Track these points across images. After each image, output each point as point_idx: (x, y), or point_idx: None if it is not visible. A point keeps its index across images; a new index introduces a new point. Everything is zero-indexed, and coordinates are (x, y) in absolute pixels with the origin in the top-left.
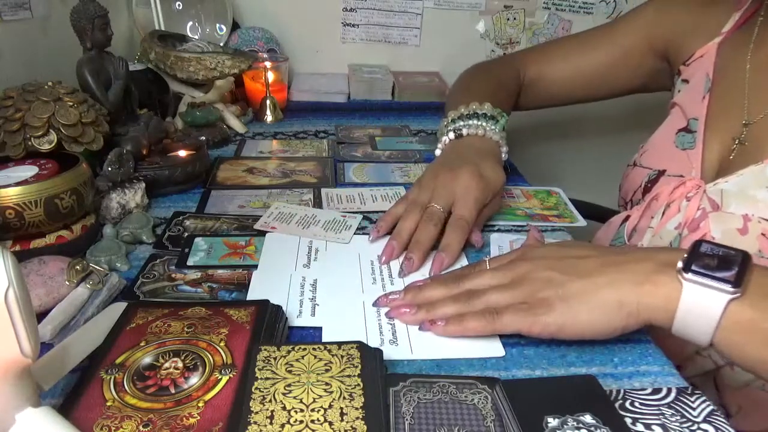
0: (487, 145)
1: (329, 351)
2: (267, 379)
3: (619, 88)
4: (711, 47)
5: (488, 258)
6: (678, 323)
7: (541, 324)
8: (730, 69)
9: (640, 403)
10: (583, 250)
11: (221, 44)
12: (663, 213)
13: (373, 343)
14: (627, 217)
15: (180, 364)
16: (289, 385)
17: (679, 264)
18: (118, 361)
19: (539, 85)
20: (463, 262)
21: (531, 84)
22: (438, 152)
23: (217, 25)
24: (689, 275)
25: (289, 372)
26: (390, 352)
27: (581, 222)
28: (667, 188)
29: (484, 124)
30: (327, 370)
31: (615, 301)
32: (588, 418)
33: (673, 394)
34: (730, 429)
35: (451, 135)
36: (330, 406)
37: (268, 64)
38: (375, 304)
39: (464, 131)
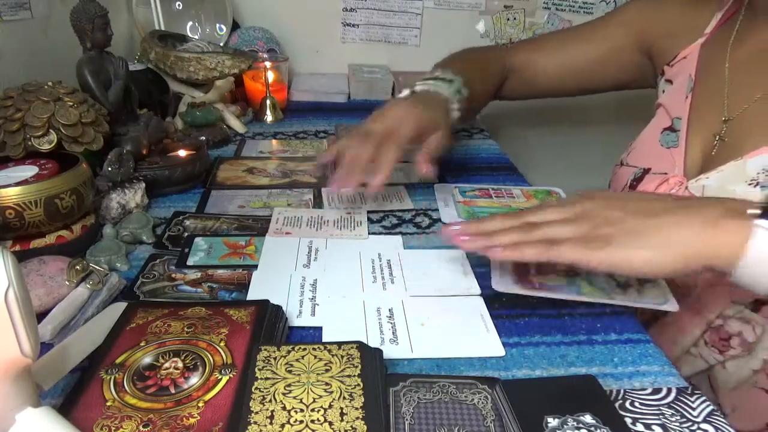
0: (435, 99)
1: (329, 351)
2: (267, 379)
3: (607, 82)
4: (694, 48)
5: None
6: (741, 269)
7: (599, 258)
8: (711, 68)
9: (640, 403)
10: (649, 195)
11: (221, 44)
12: None
13: (373, 342)
14: None
15: (180, 364)
16: (289, 385)
17: (752, 210)
18: (118, 361)
19: (525, 74)
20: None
21: (517, 72)
22: None
23: (217, 25)
24: (762, 221)
25: (289, 372)
26: (390, 352)
27: None
28: (652, 185)
29: (436, 83)
30: (327, 370)
31: (679, 241)
32: (588, 418)
33: (673, 394)
34: (730, 429)
35: (406, 91)
36: (330, 406)
37: (268, 64)
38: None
39: (417, 88)
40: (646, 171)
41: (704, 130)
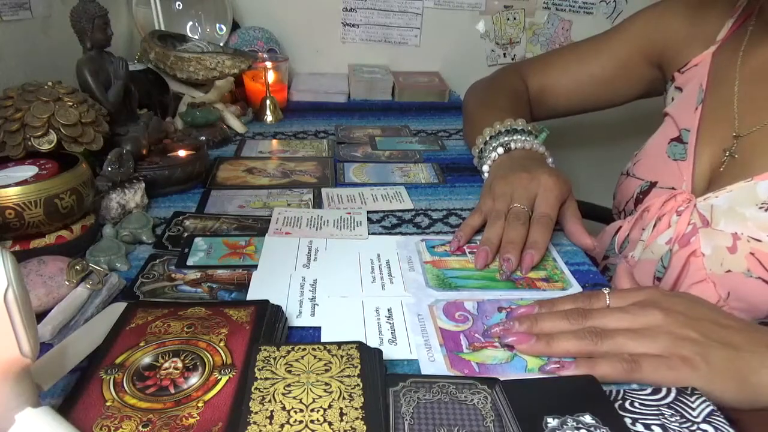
0: (537, 156)
1: (329, 351)
2: (267, 379)
3: (619, 98)
4: (706, 56)
5: (607, 291)
6: None
7: (686, 384)
8: (721, 79)
9: (640, 404)
10: (719, 316)
11: (221, 44)
12: (654, 226)
13: (373, 342)
14: (620, 227)
15: (180, 364)
16: (288, 386)
17: None
18: (117, 361)
19: (543, 99)
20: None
21: (536, 97)
22: (486, 168)
23: (217, 25)
24: None
25: (289, 372)
26: (390, 352)
27: (575, 288)
28: (658, 200)
29: (527, 138)
30: (327, 371)
31: (762, 383)
32: (588, 419)
33: (672, 395)
34: (730, 429)
35: (500, 150)
36: (330, 406)
37: (268, 64)
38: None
39: (512, 145)
40: (653, 185)
41: (714, 143)
